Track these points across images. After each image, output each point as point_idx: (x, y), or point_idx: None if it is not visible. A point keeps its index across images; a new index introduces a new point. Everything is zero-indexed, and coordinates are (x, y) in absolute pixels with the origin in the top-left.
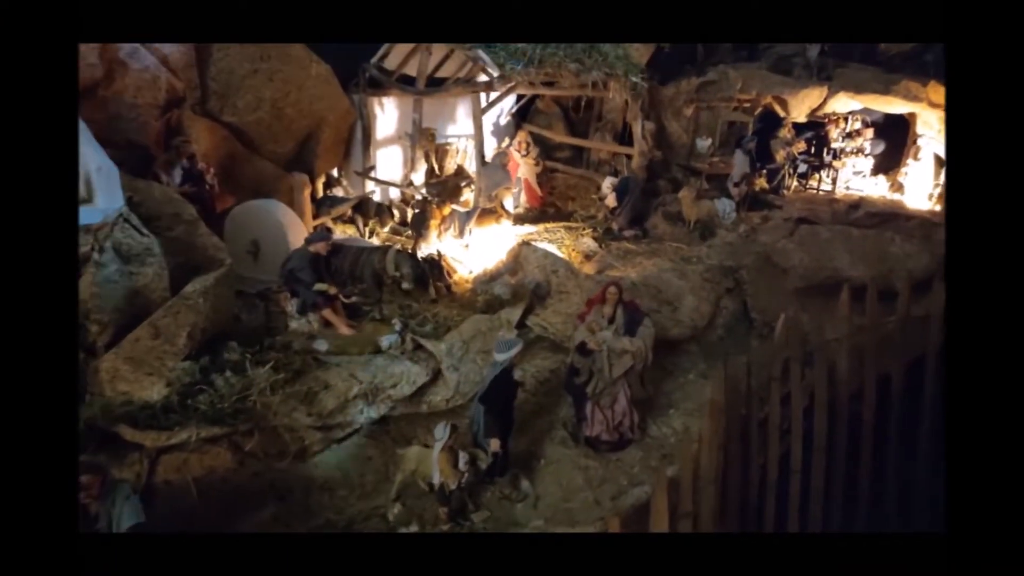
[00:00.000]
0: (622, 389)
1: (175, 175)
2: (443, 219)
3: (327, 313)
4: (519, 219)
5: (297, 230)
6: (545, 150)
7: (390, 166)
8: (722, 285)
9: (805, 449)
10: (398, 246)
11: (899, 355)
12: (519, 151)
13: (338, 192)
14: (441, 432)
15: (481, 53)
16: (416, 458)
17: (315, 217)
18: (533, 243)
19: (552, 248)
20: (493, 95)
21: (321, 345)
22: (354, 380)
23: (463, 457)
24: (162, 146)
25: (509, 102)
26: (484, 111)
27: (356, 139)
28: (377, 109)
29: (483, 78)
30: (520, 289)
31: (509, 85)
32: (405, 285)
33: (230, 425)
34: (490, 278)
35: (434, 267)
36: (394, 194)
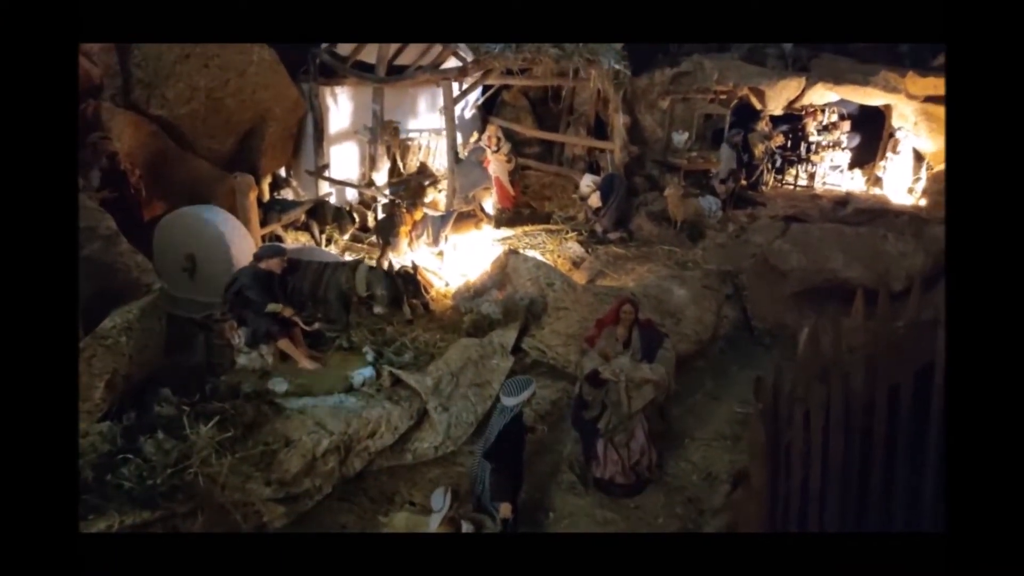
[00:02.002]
0: (639, 424)
1: (92, 178)
2: (414, 224)
3: (283, 344)
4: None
5: (241, 242)
6: (513, 146)
7: (346, 164)
8: (722, 292)
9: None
10: (371, 262)
11: (909, 362)
12: (489, 147)
13: (287, 195)
14: (440, 502)
15: None
16: (405, 528)
17: (263, 224)
18: (521, 252)
19: (536, 255)
20: (466, 84)
21: (279, 385)
22: (322, 431)
23: (466, 527)
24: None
25: (475, 94)
26: (456, 101)
27: (307, 134)
28: (330, 100)
29: (453, 63)
30: (511, 306)
31: (482, 72)
32: (377, 309)
33: (165, 507)
34: (474, 294)
35: (409, 282)
36: (351, 196)
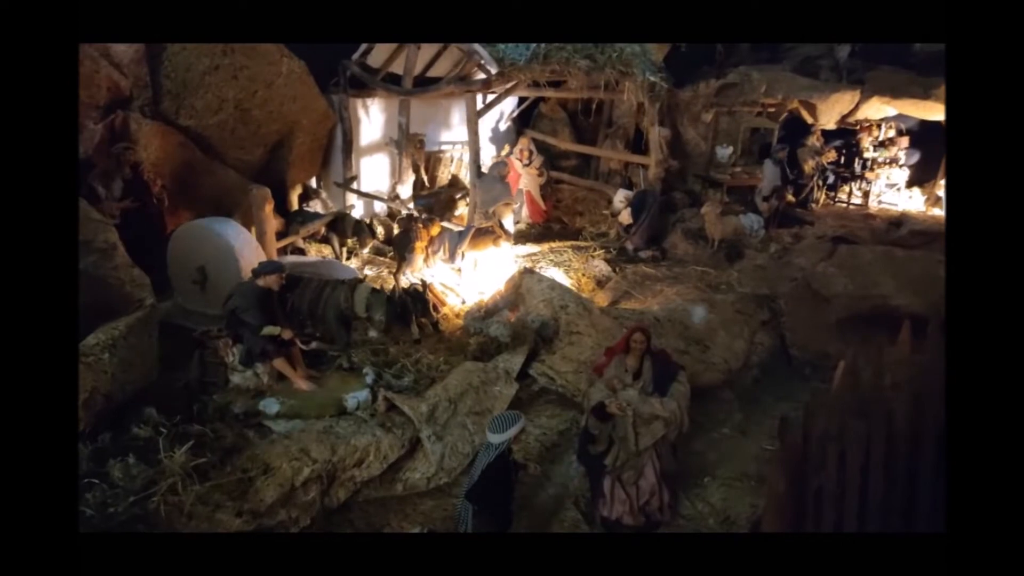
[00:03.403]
0: (650, 461)
1: (115, 188)
2: (431, 240)
3: (279, 363)
4: (520, 236)
5: (252, 255)
6: (550, 159)
7: (376, 176)
8: (756, 317)
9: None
10: (371, 284)
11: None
12: (521, 160)
13: (315, 206)
14: None
15: (478, 47)
16: None
17: (284, 236)
18: (537, 271)
19: (559, 274)
20: (491, 96)
21: (270, 407)
22: (306, 459)
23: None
24: (104, 154)
25: (509, 105)
26: (480, 114)
27: (336, 145)
28: (361, 112)
29: (480, 76)
30: (521, 329)
31: (509, 85)
32: (372, 333)
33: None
34: (485, 314)
35: (417, 300)
36: (380, 208)
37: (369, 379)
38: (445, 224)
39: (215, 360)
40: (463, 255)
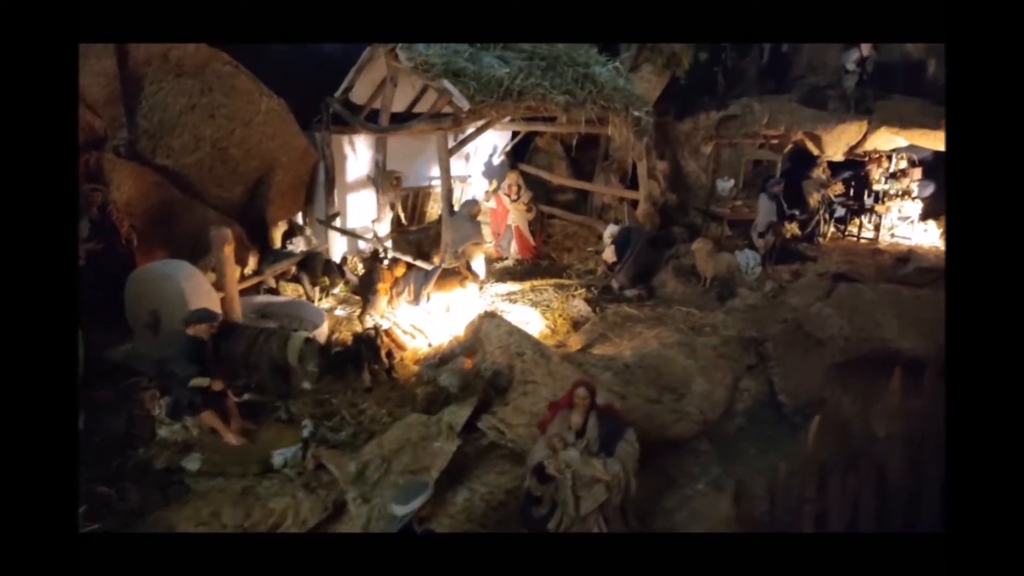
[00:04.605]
0: (596, 526)
1: (82, 228)
2: (395, 281)
3: (208, 416)
4: (506, 273)
5: (203, 298)
6: (546, 193)
7: (362, 213)
8: (742, 362)
9: None
10: (305, 334)
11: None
12: (509, 195)
13: (299, 243)
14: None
15: (447, 84)
16: None
17: (255, 275)
18: (500, 315)
19: (535, 314)
20: (471, 131)
21: (192, 463)
22: (215, 524)
23: None
24: None
25: (503, 140)
26: (452, 152)
27: (321, 182)
28: (347, 148)
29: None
30: (473, 378)
31: (481, 122)
32: (305, 384)
33: None
34: (439, 361)
35: (369, 346)
36: (364, 246)
37: (306, 432)
38: (421, 264)
39: (142, 413)
40: (428, 297)
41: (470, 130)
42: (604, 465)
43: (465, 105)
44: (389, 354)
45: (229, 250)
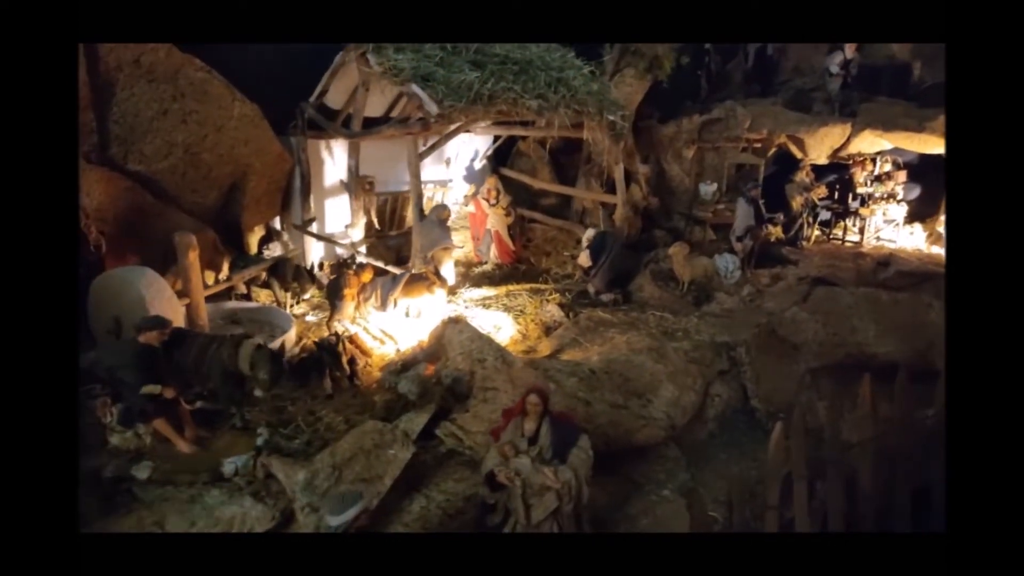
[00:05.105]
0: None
1: None
2: (363, 287)
3: (159, 424)
4: (485, 278)
5: (165, 304)
6: (530, 197)
7: (340, 218)
8: (713, 367)
9: None
10: (257, 340)
11: (942, 459)
12: (488, 200)
13: (276, 248)
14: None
15: (416, 88)
16: None
17: (226, 280)
18: (465, 320)
19: (508, 319)
20: (443, 135)
21: (141, 471)
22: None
23: None
24: None
25: (484, 144)
26: (422, 156)
27: (297, 188)
28: (324, 153)
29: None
30: (432, 386)
31: (453, 127)
32: (258, 392)
33: None
34: (402, 367)
35: (331, 353)
36: (341, 252)
37: (261, 440)
38: (392, 269)
39: (93, 421)
40: (395, 302)
41: (441, 135)
42: (555, 473)
43: (434, 109)
44: (352, 361)
45: (194, 256)
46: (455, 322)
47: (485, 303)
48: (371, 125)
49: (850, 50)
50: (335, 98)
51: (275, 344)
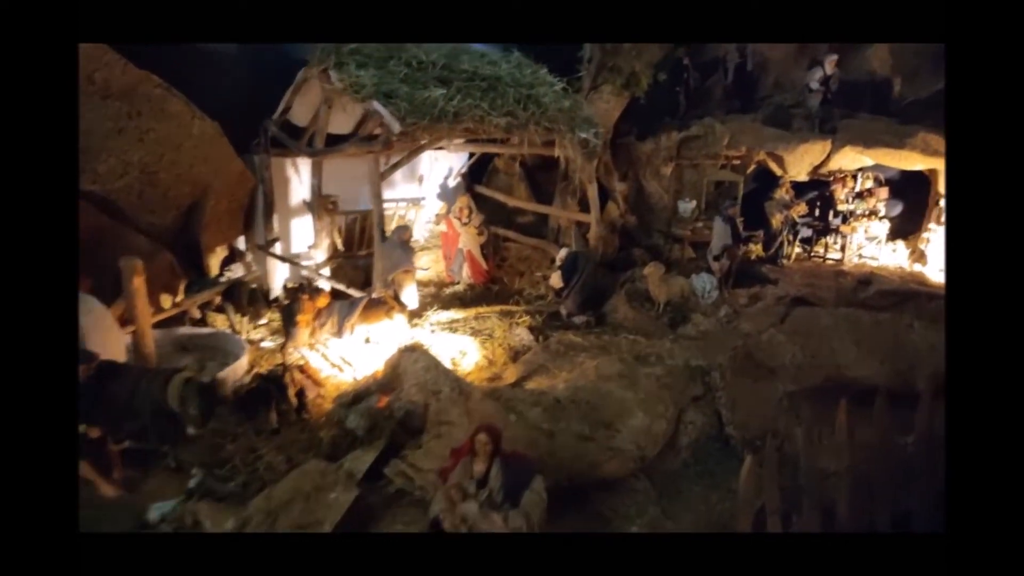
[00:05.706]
0: None
1: None
2: (318, 312)
3: (83, 466)
4: (456, 299)
5: (103, 334)
6: (505, 215)
7: (305, 238)
8: (687, 393)
9: None
10: (187, 374)
11: (923, 487)
12: (460, 219)
13: (238, 269)
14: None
15: (377, 105)
16: None
17: (176, 305)
18: (421, 348)
19: (474, 344)
20: (413, 153)
21: None
22: None
23: None
24: None
25: (459, 161)
26: (385, 175)
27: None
28: (290, 172)
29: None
30: (382, 420)
31: (417, 144)
32: (189, 430)
33: None
34: (353, 399)
35: (277, 385)
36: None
37: (193, 482)
38: (352, 292)
39: None
40: (352, 329)
41: (404, 153)
42: (505, 519)
43: (396, 127)
44: (300, 392)
45: (139, 281)
46: (411, 350)
47: (452, 327)
48: (338, 143)
49: (830, 65)
50: (300, 115)
51: (222, 374)
